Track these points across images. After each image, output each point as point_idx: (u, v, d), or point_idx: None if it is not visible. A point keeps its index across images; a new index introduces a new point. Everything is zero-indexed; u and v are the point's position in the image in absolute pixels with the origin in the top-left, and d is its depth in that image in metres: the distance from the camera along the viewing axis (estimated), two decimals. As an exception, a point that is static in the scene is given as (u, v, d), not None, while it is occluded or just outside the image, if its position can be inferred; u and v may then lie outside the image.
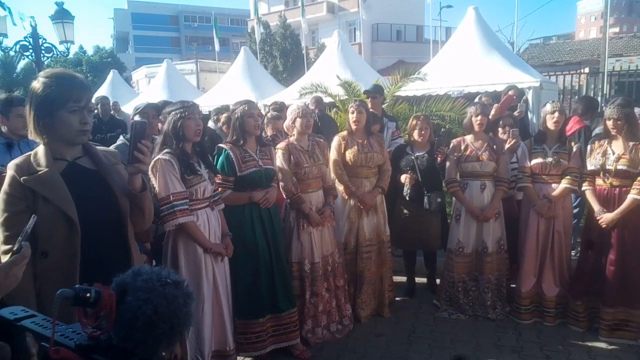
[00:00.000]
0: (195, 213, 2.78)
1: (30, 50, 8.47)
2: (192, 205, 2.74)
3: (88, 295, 0.91)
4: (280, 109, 5.32)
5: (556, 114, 3.70)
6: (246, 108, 3.21)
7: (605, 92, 11.74)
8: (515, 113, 4.76)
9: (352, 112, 3.84)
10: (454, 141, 4.11)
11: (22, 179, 1.69)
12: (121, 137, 3.61)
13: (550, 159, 3.71)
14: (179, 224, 2.67)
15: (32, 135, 1.78)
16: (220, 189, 3.09)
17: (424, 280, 4.56)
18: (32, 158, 1.75)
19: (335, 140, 3.92)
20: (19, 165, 1.73)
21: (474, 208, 3.89)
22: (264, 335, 3.28)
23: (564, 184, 3.67)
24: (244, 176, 3.18)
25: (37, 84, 1.74)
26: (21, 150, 3.22)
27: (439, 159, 4.06)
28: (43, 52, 8.58)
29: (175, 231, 2.76)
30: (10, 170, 1.72)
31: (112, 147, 4.04)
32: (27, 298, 1.60)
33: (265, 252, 3.27)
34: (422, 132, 4.13)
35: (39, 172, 1.71)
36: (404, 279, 4.51)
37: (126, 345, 0.93)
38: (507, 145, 4.00)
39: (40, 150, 1.77)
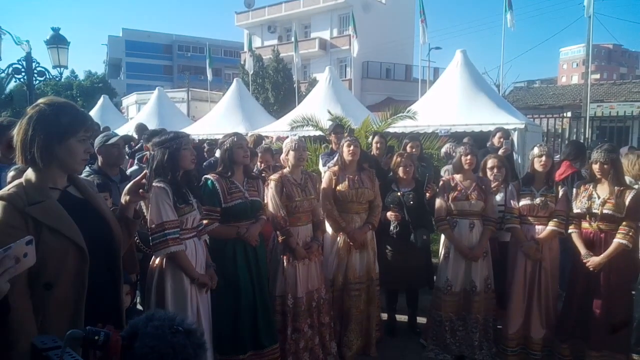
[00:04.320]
0: (184, 242, 2.77)
1: (23, 73, 8.47)
2: (181, 234, 2.74)
3: (97, 338, 0.90)
4: (258, 142, 5.38)
5: (544, 157, 3.79)
6: (235, 139, 3.26)
7: (587, 136, 12.10)
8: (501, 151, 4.86)
9: (349, 146, 3.88)
10: (443, 179, 4.17)
11: (26, 208, 1.61)
12: (136, 164, 3.61)
13: (538, 201, 3.77)
14: (171, 252, 2.66)
15: (21, 160, 1.71)
16: (206, 221, 3.07)
17: (404, 318, 4.50)
18: (23, 187, 1.68)
19: (327, 175, 3.95)
20: (13, 194, 1.64)
21: (464, 247, 3.90)
22: (245, 372, 3.19)
23: (551, 226, 3.72)
24: (230, 207, 3.17)
25: (46, 110, 1.70)
26: (9, 174, 3.17)
27: (427, 195, 4.09)
28: (35, 75, 8.58)
29: (163, 260, 2.74)
30: (2, 200, 1.62)
31: (128, 172, 4.04)
32: (27, 331, 1.51)
33: (249, 286, 3.23)
34: (407, 169, 4.18)
35: (42, 202, 1.65)
36: (384, 316, 4.44)
37: None
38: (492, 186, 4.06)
39: (33, 178, 1.70)
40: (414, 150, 4.84)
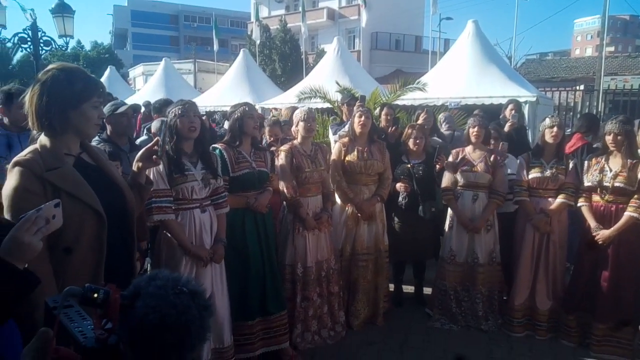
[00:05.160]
0: (180, 213, 2.77)
1: (29, 43, 8.40)
2: (179, 204, 2.74)
3: (95, 295, 0.88)
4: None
5: (555, 129, 3.74)
6: (246, 109, 3.23)
7: (600, 109, 11.89)
8: (508, 125, 4.78)
9: (360, 116, 3.84)
10: (453, 151, 4.14)
11: (44, 174, 1.63)
12: (145, 134, 3.61)
13: (548, 173, 3.74)
14: (157, 221, 2.67)
15: (36, 127, 1.72)
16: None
17: (411, 289, 4.55)
18: (39, 153, 1.69)
19: (337, 146, 3.92)
20: (30, 160, 1.65)
21: (464, 218, 3.92)
22: (253, 338, 3.26)
23: (561, 199, 3.70)
24: (237, 177, 3.16)
25: (59, 75, 1.69)
26: (21, 143, 3.19)
27: (437, 167, 4.07)
28: (41, 45, 8.51)
29: (161, 228, 2.78)
30: (19, 166, 1.64)
31: (137, 142, 4.06)
32: (48, 294, 1.55)
33: (257, 254, 3.25)
34: (417, 141, 4.14)
35: (60, 168, 1.67)
36: (391, 287, 4.49)
37: (133, 352, 0.89)
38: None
39: (49, 144, 1.71)
40: (426, 121, 4.78)
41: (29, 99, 1.70)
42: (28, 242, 1.23)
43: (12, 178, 1.63)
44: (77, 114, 1.71)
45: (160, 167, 2.63)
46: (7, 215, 1.60)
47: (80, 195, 1.67)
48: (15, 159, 1.68)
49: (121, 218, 1.85)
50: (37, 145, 1.72)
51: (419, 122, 4.70)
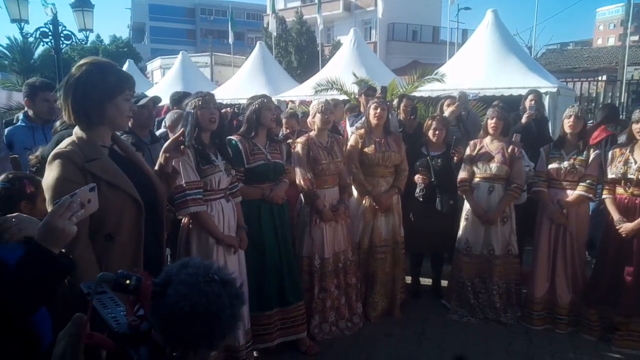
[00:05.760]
0: (210, 204, 2.81)
1: (50, 37, 8.52)
2: (206, 195, 2.77)
3: (127, 282, 0.88)
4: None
5: (572, 118, 3.67)
6: (265, 101, 3.25)
7: (623, 100, 11.61)
8: (525, 116, 4.69)
9: (376, 108, 3.82)
10: (470, 142, 4.10)
11: (85, 165, 1.68)
12: (163, 127, 3.66)
13: (565, 165, 3.67)
14: (191, 213, 2.70)
15: (73, 120, 1.76)
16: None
17: (428, 281, 4.54)
18: (77, 145, 1.73)
19: (353, 138, 3.91)
20: (71, 152, 1.70)
21: (479, 209, 3.89)
22: (271, 328, 3.29)
23: (579, 191, 3.63)
24: (252, 168, 3.18)
25: (93, 69, 1.74)
26: (45, 134, 3.26)
27: (455, 159, 4.04)
28: (62, 39, 8.62)
29: (190, 220, 2.80)
30: (61, 158, 1.68)
31: (157, 133, 4.13)
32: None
33: (274, 245, 3.28)
34: (437, 132, 4.10)
35: (98, 159, 1.72)
36: (408, 279, 4.48)
37: (165, 338, 0.90)
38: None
39: (86, 136, 1.76)
40: (458, 109, 4.71)
41: (64, 93, 1.75)
42: (62, 228, 1.27)
43: (54, 169, 1.67)
44: (111, 107, 1.75)
45: (189, 158, 2.67)
46: (49, 206, 1.64)
47: (119, 184, 1.73)
48: (55, 151, 1.72)
49: (152, 208, 1.89)
50: (73, 138, 1.76)
51: (446, 113, 4.65)
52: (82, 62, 1.78)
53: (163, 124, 4.86)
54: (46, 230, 1.27)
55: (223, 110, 5.54)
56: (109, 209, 1.66)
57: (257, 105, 3.22)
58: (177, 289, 0.89)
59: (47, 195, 1.68)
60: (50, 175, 1.67)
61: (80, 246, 1.61)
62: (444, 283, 4.38)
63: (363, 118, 4.09)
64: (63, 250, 1.34)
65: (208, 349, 0.92)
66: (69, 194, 1.30)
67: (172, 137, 2.18)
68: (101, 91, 1.72)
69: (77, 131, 1.77)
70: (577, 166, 3.66)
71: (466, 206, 4.05)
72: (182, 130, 2.08)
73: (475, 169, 3.96)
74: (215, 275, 0.92)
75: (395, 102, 4.63)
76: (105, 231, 1.70)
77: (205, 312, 0.88)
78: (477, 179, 3.96)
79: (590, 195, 3.62)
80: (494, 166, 3.86)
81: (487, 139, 3.99)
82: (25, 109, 3.59)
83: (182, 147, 2.07)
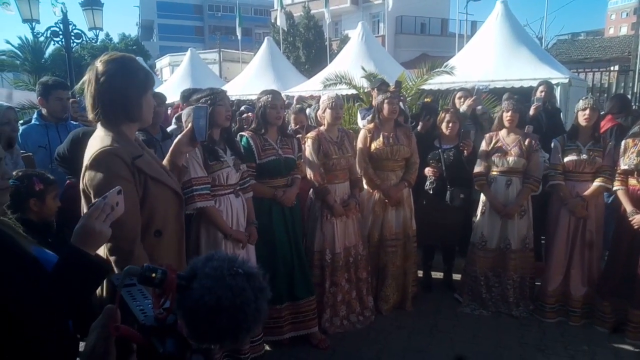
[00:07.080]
0: (218, 199, 2.82)
1: (60, 36, 8.61)
2: (215, 190, 2.79)
3: (153, 275, 0.88)
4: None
5: (587, 111, 3.63)
6: (270, 99, 3.21)
7: (635, 90, 11.43)
8: (532, 108, 4.63)
9: (390, 104, 3.79)
10: (486, 136, 4.06)
11: (135, 161, 1.65)
12: (174, 123, 3.68)
13: (584, 156, 3.64)
14: (198, 208, 2.71)
15: (109, 116, 1.67)
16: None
17: (439, 275, 4.54)
18: (118, 142, 1.67)
19: (362, 132, 3.91)
20: (120, 148, 1.64)
21: (497, 203, 3.86)
22: (282, 322, 3.32)
23: (598, 182, 3.60)
24: (263, 164, 3.20)
25: (124, 64, 1.67)
26: (59, 133, 3.30)
27: (465, 152, 4.02)
28: (72, 38, 8.71)
29: (198, 215, 2.81)
30: (110, 155, 1.62)
31: (168, 130, 4.17)
32: None
33: (284, 240, 3.29)
34: (450, 124, 4.09)
35: (142, 155, 1.70)
36: (419, 273, 4.48)
37: (190, 332, 0.89)
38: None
39: (121, 134, 1.70)
40: (475, 102, 4.67)
41: (93, 90, 1.66)
42: (99, 230, 1.27)
43: (102, 167, 1.61)
44: (145, 102, 1.73)
45: (196, 154, 2.68)
46: None
47: (163, 179, 1.73)
48: (102, 149, 1.63)
49: (174, 198, 1.90)
50: (111, 134, 1.67)
51: (464, 107, 4.63)
52: (105, 58, 1.69)
53: (173, 120, 4.91)
54: (84, 232, 1.26)
55: (244, 116, 5.57)
56: (158, 204, 1.66)
57: (262, 103, 3.22)
58: (202, 283, 0.88)
59: (96, 193, 1.59)
60: (98, 174, 1.61)
61: (137, 246, 1.60)
62: (456, 276, 4.38)
63: (373, 111, 4.08)
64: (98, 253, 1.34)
65: (233, 342, 0.91)
66: (102, 197, 1.30)
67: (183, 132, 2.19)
68: (137, 86, 1.68)
69: (110, 128, 1.69)
70: (595, 157, 3.62)
71: (482, 199, 4.03)
72: (191, 125, 2.09)
73: (491, 162, 3.92)
74: (240, 268, 0.92)
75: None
76: (154, 227, 1.69)
77: (230, 306, 0.87)
78: (494, 173, 3.92)
79: (610, 186, 3.58)
80: (511, 159, 3.82)
81: (503, 132, 3.95)
82: (39, 107, 3.64)
83: (196, 142, 2.08)
